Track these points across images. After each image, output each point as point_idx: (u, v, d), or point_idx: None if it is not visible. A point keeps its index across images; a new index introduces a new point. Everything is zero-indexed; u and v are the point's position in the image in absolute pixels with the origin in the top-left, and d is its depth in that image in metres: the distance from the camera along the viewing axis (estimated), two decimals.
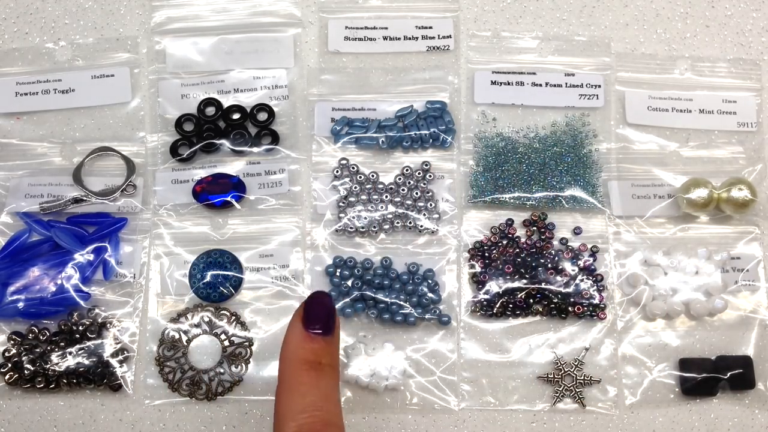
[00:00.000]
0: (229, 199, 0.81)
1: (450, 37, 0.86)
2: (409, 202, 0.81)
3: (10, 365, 0.77)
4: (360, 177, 0.82)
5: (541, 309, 0.80)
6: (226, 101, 0.84)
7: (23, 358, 0.77)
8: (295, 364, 0.57)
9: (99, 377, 0.77)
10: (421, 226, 0.81)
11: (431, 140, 0.83)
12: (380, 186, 0.82)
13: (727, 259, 0.82)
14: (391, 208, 0.82)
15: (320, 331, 0.58)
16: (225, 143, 0.83)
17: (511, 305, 0.80)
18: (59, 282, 0.78)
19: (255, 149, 0.83)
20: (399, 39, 0.86)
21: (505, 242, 0.82)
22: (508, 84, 0.85)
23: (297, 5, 0.87)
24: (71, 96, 0.84)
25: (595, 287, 0.80)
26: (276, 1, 0.87)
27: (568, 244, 0.82)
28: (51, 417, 0.78)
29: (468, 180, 0.83)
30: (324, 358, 0.57)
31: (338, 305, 0.78)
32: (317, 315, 0.58)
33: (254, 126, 0.84)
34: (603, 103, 0.85)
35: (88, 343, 0.77)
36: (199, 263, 0.79)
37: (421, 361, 0.79)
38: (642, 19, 0.89)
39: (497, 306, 0.80)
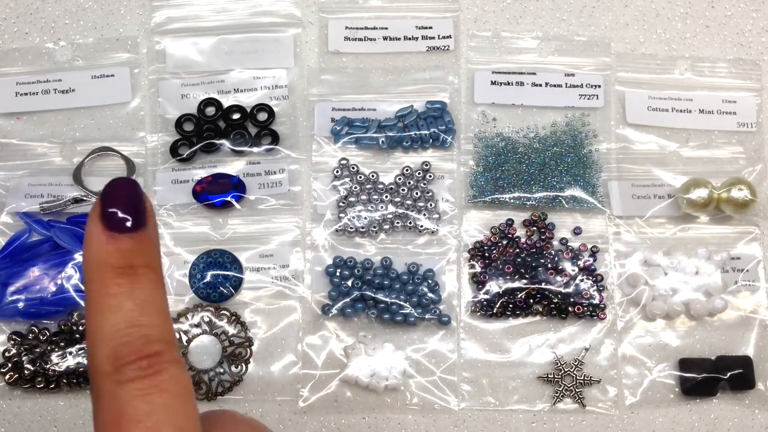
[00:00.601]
0: (229, 199, 0.81)
1: (450, 37, 0.86)
2: (409, 202, 0.81)
3: (10, 365, 0.77)
4: (360, 177, 0.82)
5: (541, 309, 0.80)
6: (226, 101, 0.84)
7: (23, 358, 0.77)
8: (99, 272, 0.42)
9: None
10: (421, 226, 0.81)
11: (431, 140, 0.83)
12: (380, 186, 0.82)
13: (727, 259, 0.82)
14: (391, 208, 0.82)
15: (127, 226, 0.43)
16: (225, 143, 0.82)
17: (511, 305, 0.80)
18: (59, 282, 0.78)
19: (255, 149, 0.83)
20: (399, 39, 0.86)
21: (505, 242, 0.82)
22: (508, 84, 0.85)
23: (297, 5, 0.87)
24: (71, 96, 0.84)
25: (595, 287, 0.80)
26: (276, 1, 0.87)
27: (568, 244, 0.82)
28: (51, 417, 0.77)
29: (468, 180, 0.83)
30: (136, 259, 0.43)
31: (338, 305, 0.79)
32: (116, 205, 0.43)
33: (254, 126, 0.84)
34: (603, 103, 0.85)
35: None
36: (199, 263, 0.79)
37: (421, 361, 0.79)
38: (642, 19, 0.89)
39: (497, 306, 0.80)
